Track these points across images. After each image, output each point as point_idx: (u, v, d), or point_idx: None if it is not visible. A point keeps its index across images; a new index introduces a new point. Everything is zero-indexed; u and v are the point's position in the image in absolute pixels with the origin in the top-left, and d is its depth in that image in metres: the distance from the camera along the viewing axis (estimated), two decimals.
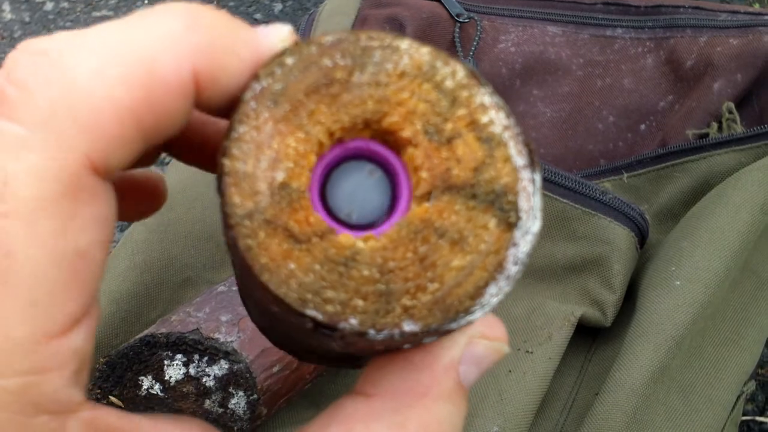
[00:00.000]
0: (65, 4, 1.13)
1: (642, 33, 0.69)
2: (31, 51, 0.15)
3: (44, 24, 1.11)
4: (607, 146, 0.68)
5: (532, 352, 0.52)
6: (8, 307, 0.14)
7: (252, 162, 0.15)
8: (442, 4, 0.73)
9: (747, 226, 0.52)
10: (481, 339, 0.18)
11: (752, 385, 0.54)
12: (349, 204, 0.16)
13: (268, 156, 0.15)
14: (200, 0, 0.16)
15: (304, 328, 0.15)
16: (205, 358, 0.47)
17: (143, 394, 0.47)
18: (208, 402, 0.47)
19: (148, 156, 0.20)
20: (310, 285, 0.15)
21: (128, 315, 0.56)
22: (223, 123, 0.19)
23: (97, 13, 1.11)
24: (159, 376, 0.47)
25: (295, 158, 0.15)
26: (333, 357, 0.19)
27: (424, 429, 0.16)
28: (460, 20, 0.72)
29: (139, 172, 0.21)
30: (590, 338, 0.57)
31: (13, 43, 1.08)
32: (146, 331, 0.48)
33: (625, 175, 0.63)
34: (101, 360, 0.48)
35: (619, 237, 0.56)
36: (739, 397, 0.52)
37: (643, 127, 0.67)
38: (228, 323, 0.48)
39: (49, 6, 1.13)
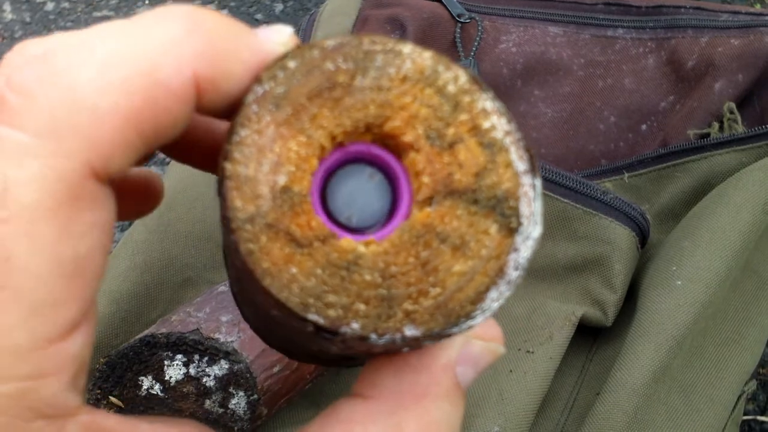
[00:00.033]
0: (66, 5, 1.13)
1: (643, 33, 0.69)
2: (31, 55, 0.14)
3: (45, 24, 1.11)
4: (608, 146, 0.68)
5: (533, 352, 0.52)
6: (7, 312, 0.14)
7: (254, 166, 0.15)
8: (443, 4, 0.73)
9: (748, 226, 0.52)
10: (477, 340, 0.18)
11: (753, 385, 0.54)
12: (349, 207, 0.16)
13: (270, 160, 0.15)
14: (201, 0, 0.16)
15: (305, 332, 0.15)
16: (206, 358, 0.47)
17: (143, 394, 0.47)
18: (208, 402, 0.47)
19: (145, 155, 0.20)
20: (312, 289, 0.15)
21: (128, 315, 0.56)
22: (223, 125, 0.19)
23: (98, 14, 1.11)
24: (159, 377, 0.47)
25: (296, 162, 0.15)
26: (331, 359, 0.19)
27: (422, 430, 0.17)
28: (461, 20, 0.72)
29: (135, 171, 0.21)
30: (591, 338, 0.57)
31: (13, 43, 1.08)
32: (146, 332, 0.48)
33: (626, 175, 0.63)
34: (101, 360, 0.48)
35: (620, 237, 0.56)
36: (740, 396, 0.52)
37: (644, 127, 0.67)
38: (228, 323, 0.48)
39: (49, 6, 1.13)
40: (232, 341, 0.47)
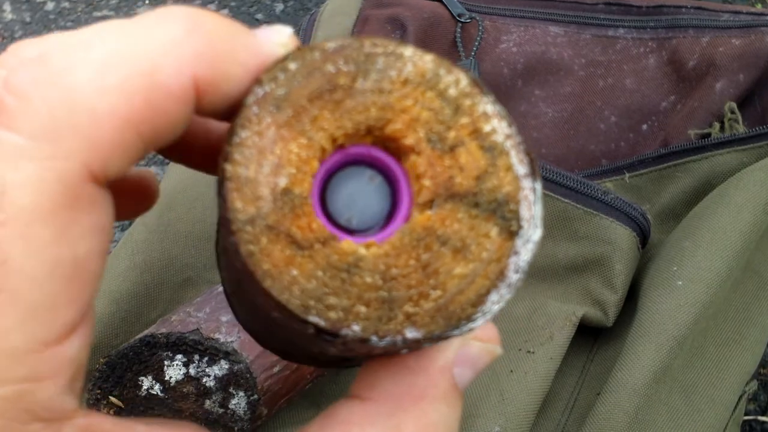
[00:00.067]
0: (66, 4, 1.13)
1: (644, 33, 0.69)
2: (27, 56, 0.14)
3: (45, 24, 1.11)
4: (608, 146, 0.67)
5: (533, 352, 0.52)
6: (4, 314, 0.14)
7: (254, 167, 0.15)
8: (444, 4, 0.73)
9: (749, 226, 0.52)
10: (474, 341, 0.18)
11: (754, 385, 0.54)
12: (349, 209, 0.16)
13: (271, 161, 0.15)
14: (202, 0, 0.16)
15: (305, 334, 0.15)
16: (206, 359, 0.47)
17: (143, 394, 0.47)
18: (208, 402, 0.47)
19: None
20: (313, 291, 0.15)
21: (128, 315, 0.56)
22: (220, 125, 0.19)
23: (98, 13, 1.11)
24: (159, 377, 0.47)
25: (297, 164, 0.15)
26: (329, 360, 0.19)
27: None
28: (462, 20, 0.72)
29: (130, 170, 0.21)
30: (592, 338, 0.57)
31: (13, 43, 1.08)
32: (146, 331, 0.48)
33: (627, 175, 0.63)
34: (101, 360, 0.48)
35: (620, 237, 0.56)
36: (741, 396, 0.52)
37: (645, 127, 0.67)
38: (228, 323, 0.48)
39: (50, 6, 1.13)
40: (232, 341, 0.47)
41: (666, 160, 0.62)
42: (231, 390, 0.47)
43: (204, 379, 0.47)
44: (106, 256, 0.15)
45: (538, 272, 0.58)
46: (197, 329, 0.47)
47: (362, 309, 0.15)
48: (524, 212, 0.16)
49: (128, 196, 0.21)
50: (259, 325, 0.19)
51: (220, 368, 0.47)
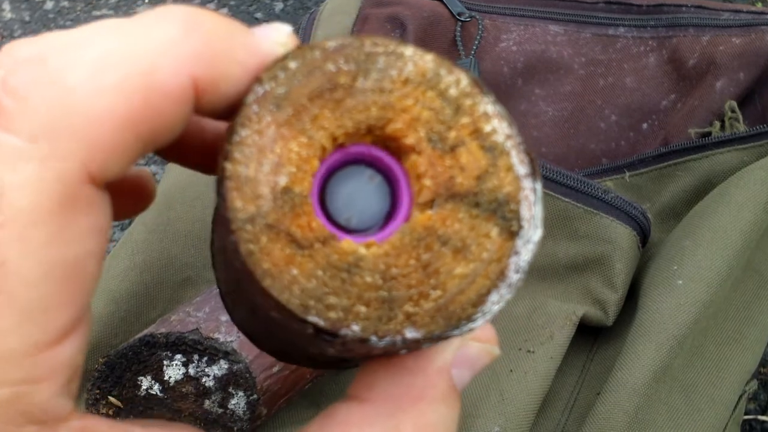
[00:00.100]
0: (65, 3, 1.13)
1: (644, 32, 0.69)
2: (24, 57, 0.14)
3: (44, 23, 1.11)
4: (609, 145, 0.67)
5: (533, 352, 0.52)
6: (0, 316, 0.13)
7: (254, 166, 0.15)
8: (444, 3, 0.73)
9: (749, 225, 0.52)
10: (472, 341, 0.18)
11: (754, 384, 0.54)
12: (348, 209, 0.16)
13: (271, 160, 0.15)
14: None
15: (304, 334, 0.15)
16: (205, 358, 0.46)
17: (142, 394, 0.47)
18: (207, 402, 0.47)
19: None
20: (313, 291, 0.15)
21: (128, 315, 0.56)
22: (218, 125, 0.18)
23: (97, 12, 1.11)
24: (158, 377, 0.47)
25: (297, 163, 0.15)
26: (327, 361, 0.19)
27: None
28: (462, 19, 0.72)
29: (128, 170, 0.21)
30: (592, 337, 0.57)
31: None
32: (145, 331, 0.48)
33: (627, 173, 0.63)
34: (100, 360, 0.48)
35: (621, 236, 0.56)
36: (741, 396, 0.52)
37: (645, 125, 0.67)
38: (228, 323, 0.48)
39: (49, 5, 1.13)
40: (231, 341, 0.47)
41: (666, 158, 0.62)
42: (230, 390, 0.46)
43: (203, 379, 0.47)
44: (104, 258, 0.15)
45: (538, 271, 0.58)
46: (196, 329, 0.47)
47: (362, 309, 0.15)
48: (525, 212, 0.16)
49: (125, 196, 0.21)
50: (257, 326, 0.19)
51: (219, 368, 0.46)
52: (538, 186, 0.16)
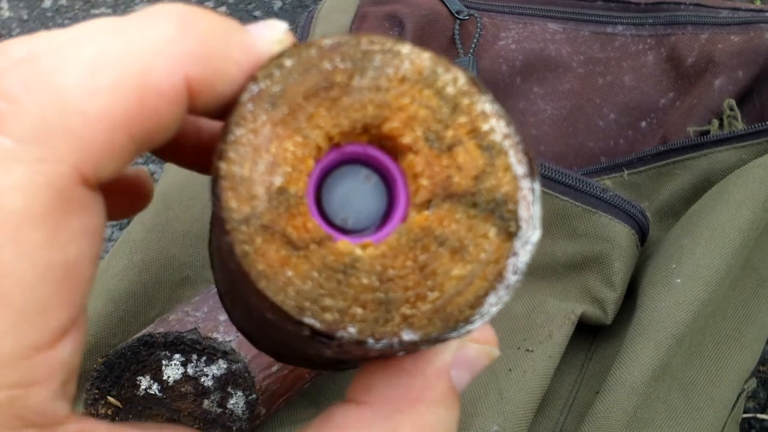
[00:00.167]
0: (63, 2, 1.12)
1: (643, 30, 0.69)
2: (17, 57, 0.14)
3: (42, 21, 1.10)
4: (607, 143, 0.67)
5: (532, 351, 0.52)
6: None
7: (249, 166, 0.15)
8: (442, 1, 0.72)
9: (748, 223, 0.52)
10: (472, 343, 0.18)
11: (753, 383, 0.54)
12: (344, 209, 0.16)
13: (266, 160, 0.15)
14: None
15: (300, 336, 0.15)
16: (204, 358, 0.46)
17: (141, 394, 0.47)
18: (206, 402, 0.47)
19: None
20: (308, 293, 0.15)
21: (126, 314, 0.55)
22: (214, 124, 0.18)
23: (95, 11, 1.11)
24: (157, 376, 0.47)
25: (293, 163, 0.15)
26: (324, 362, 0.19)
27: None
28: (460, 17, 0.72)
29: (125, 170, 0.21)
30: (591, 336, 0.57)
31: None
32: (144, 331, 0.48)
33: (626, 172, 0.63)
34: (99, 360, 0.47)
35: (619, 234, 0.56)
36: (740, 394, 0.52)
37: (643, 124, 0.67)
38: (226, 323, 0.48)
39: (47, 3, 1.13)
40: (230, 341, 0.46)
41: (665, 157, 0.61)
42: (229, 389, 0.46)
43: (202, 379, 0.46)
44: (99, 259, 0.15)
45: (537, 270, 0.58)
46: (195, 329, 0.47)
47: (358, 311, 0.15)
48: (523, 212, 0.16)
49: (122, 196, 0.20)
50: (254, 327, 0.19)
51: (218, 368, 0.46)
52: (537, 186, 0.16)
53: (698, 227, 0.53)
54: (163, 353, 0.47)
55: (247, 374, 0.46)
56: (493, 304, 0.15)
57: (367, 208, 0.16)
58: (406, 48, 0.16)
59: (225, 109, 0.16)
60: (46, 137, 0.14)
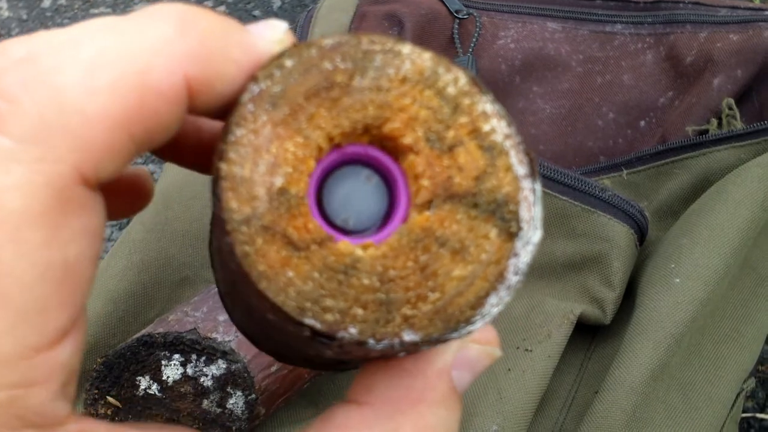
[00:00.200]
0: (63, 1, 1.12)
1: (642, 29, 0.69)
2: (16, 56, 0.14)
3: (42, 21, 1.10)
4: (606, 143, 0.67)
5: (531, 351, 0.52)
6: None
7: (249, 166, 0.15)
8: (441, 0, 0.72)
9: (747, 223, 0.52)
10: (473, 343, 0.18)
11: (752, 383, 0.54)
12: (345, 210, 0.16)
13: (267, 160, 0.15)
14: None
15: (301, 336, 0.15)
16: (203, 358, 0.46)
17: (141, 394, 0.47)
18: (206, 402, 0.47)
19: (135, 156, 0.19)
20: (309, 293, 0.15)
21: (126, 315, 0.55)
22: (215, 124, 0.18)
23: (95, 10, 1.11)
24: (156, 376, 0.47)
25: (294, 163, 0.15)
26: (325, 363, 0.19)
27: None
28: (459, 16, 0.72)
29: (125, 170, 0.21)
30: (590, 336, 0.57)
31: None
32: (144, 331, 0.48)
33: (625, 171, 0.63)
34: (98, 360, 0.47)
35: (618, 234, 0.56)
36: (738, 394, 0.52)
37: (642, 123, 0.67)
38: (226, 323, 0.48)
39: (46, 3, 1.13)
40: (229, 341, 0.46)
41: (664, 156, 0.61)
42: (228, 389, 0.46)
43: (201, 379, 0.46)
44: (99, 259, 0.15)
45: (536, 270, 0.58)
46: (194, 329, 0.47)
47: (359, 311, 0.15)
48: (524, 213, 0.16)
49: (122, 195, 0.20)
50: (255, 327, 0.19)
51: (217, 368, 0.46)
52: (538, 186, 0.16)
53: (697, 227, 0.53)
54: (162, 353, 0.47)
55: (246, 374, 0.46)
56: (494, 305, 0.15)
57: (368, 209, 0.16)
58: (406, 48, 0.16)
59: (225, 109, 0.16)
60: (45, 137, 0.14)
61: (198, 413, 0.47)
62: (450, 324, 0.15)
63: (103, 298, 0.55)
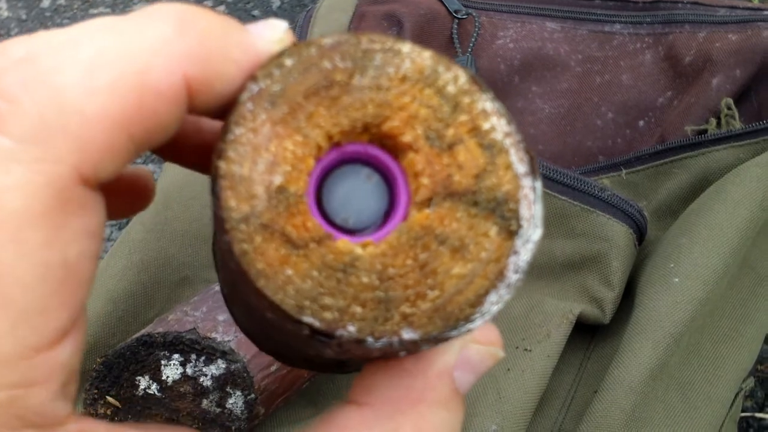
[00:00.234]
0: (62, 1, 1.12)
1: (640, 28, 0.69)
2: (16, 57, 0.14)
3: (41, 21, 1.10)
4: (605, 142, 0.67)
5: (530, 350, 0.52)
6: None
7: (248, 165, 0.15)
8: (440, 0, 0.72)
9: (745, 223, 0.52)
10: (475, 344, 0.18)
11: (751, 382, 0.54)
12: (345, 209, 0.16)
13: (265, 159, 0.15)
14: None
15: (300, 335, 0.15)
16: (203, 358, 0.46)
17: (140, 394, 0.47)
18: (205, 402, 0.47)
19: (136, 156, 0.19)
20: (308, 291, 0.15)
21: (125, 314, 0.55)
22: (214, 124, 0.18)
23: (94, 10, 1.11)
24: (156, 376, 0.47)
25: (293, 162, 0.15)
26: (325, 364, 0.19)
27: None
28: (458, 16, 0.72)
29: (126, 169, 0.21)
30: (589, 336, 0.57)
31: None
32: (143, 331, 0.48)
33: (624, 171, 0.63)
34: (98, 360, 0.47)
35: (617, 234, 0.56)
36: (737, 393, 0.52)
37: (641, 123, 0.67)
38: (225, 322, 0.48)
39: (45, 3, 1.13)
40: (229, 340, 0.46)
41: (662, 156, 0.62)
42: (228, 389, 0.46)
43: (201, 379, 0.46)
44: (99, 259, 0.15)
45: (535, 270, 0.58)
46: (194, 328, 0.47)
47: (358, 309, 0.15)
48: (524, 211, 0.16)
49: (124, 195, 0.20)
50: (255, 327, 0.19)
51: (217, 367, 0.46)
52: (538, 185, 0.16)
53: (696, 226, 0.53)
54: (162, 353, 0.47)
55: (245, 374, 0.46)
56: (494, 303, 0.15)
57: (368, 208, 0.16)
58: (406, 47, 0.16)
59: (225, 109, 0.16)
60: (45, 137, 0.14)
61: (197, 413, 0.47)
62: (449, 322, 0.15)
63: (103, 297, 0.55)
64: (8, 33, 1.09)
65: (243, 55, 0.15)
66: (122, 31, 0.15)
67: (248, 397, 0.46)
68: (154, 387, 0.47)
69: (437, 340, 0.15)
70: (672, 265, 0.52)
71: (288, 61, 0.15)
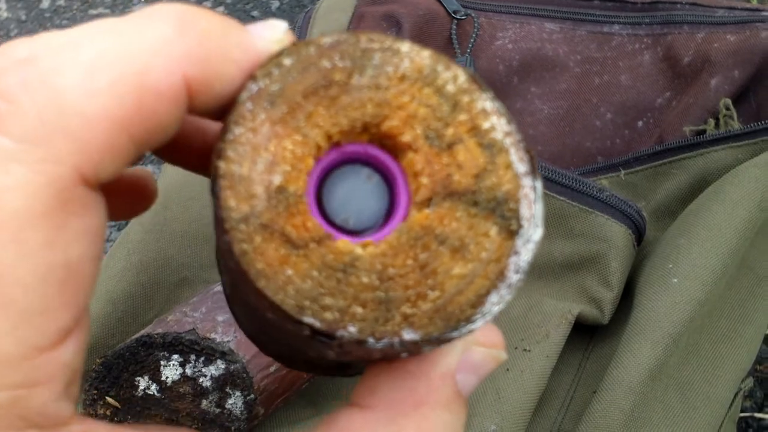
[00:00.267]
0: (61, 2, 1.12)
1: (639, 29, 0.69)
2: (17, 58, 0.14)
3: (41, 22, 1.10)
4: (604, 143, 0.67)
5: (529, 351, 0.52)
6: None
7: (248, 165, 0.15)
8: (439, 1, 0.73)
9: (744, 223, 0.52)
10: (477, 346, 0.18)
11: (750, 382, 0.54)
12: (345, 209, 0.16)
13: (265, 159, 0.15)
14: None
15: (300, 335, 0.15)
16: (202, 359, 0.46)
17: (140, 394, 0.47)
18: (204, 402, 0.47)
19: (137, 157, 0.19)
20: (308, 292, 0.15)
21: (125, 315, 0.55)
22: (214, 125, 0.18)
23: (93, 11, 1.11)
24: (155, 377, 0.47)
25: (292, 161, 0.15)
26: (327, 366, 0.19)
27: None
28: (457, 17, 0.72)
29: (128, 170, 0.21)
30: (588, 336, 0.57)
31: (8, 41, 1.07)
32: (142, 332, 0.48)
33: (623, 172, 0.63)
34: (97, 360, 0.47)
35: (616, 234, 0.56)
36: (737, 394, 0.52)
37: (640, 123, 0.67)
38: (224, 323, 0.48)
39: (45, 4, 1.13)
40: (228, 341, 0.46)
41: (661, 156, 0.62)
42: (227, 390, 0.46)
43: (200, 379, 0.46)
44: (100, 259, 0.15)
45: (534, 270, 0.58)
46: (193, 329, 0.47)
47: (358, 310, 0.15)
48: (524, 211, 0.16)
49: (125, 196, 0.20)
50: (256, 328, 0.19)
51: (216, 368, 0.46)
52: (538, 184, 0.16)
53: (695, 227, 0.53)
54: (161, 354, 0.47)
55: (245, 374, 0.46)
56: (494, 303, 0.15)
57: (368, 208, 0.16)
58: (405, 46, 0.16)
59: (225, 110, 0.16)
60: (45, 138, 0.14)
61: (197, 413, 0.47)
62: (450, 323, 0.15)
63: (102, 298, 0.55)
64: (8, 34, 1.09)
65: (243, 56, 0.16)
66: (122, 32, 0.15)
67: (248, 398, 0.46)
68: (153, 387, 0.47)
69: (438, 341, 0.15)
70: (671, 266, 0.52)
71: (287, 61, 0.15)
